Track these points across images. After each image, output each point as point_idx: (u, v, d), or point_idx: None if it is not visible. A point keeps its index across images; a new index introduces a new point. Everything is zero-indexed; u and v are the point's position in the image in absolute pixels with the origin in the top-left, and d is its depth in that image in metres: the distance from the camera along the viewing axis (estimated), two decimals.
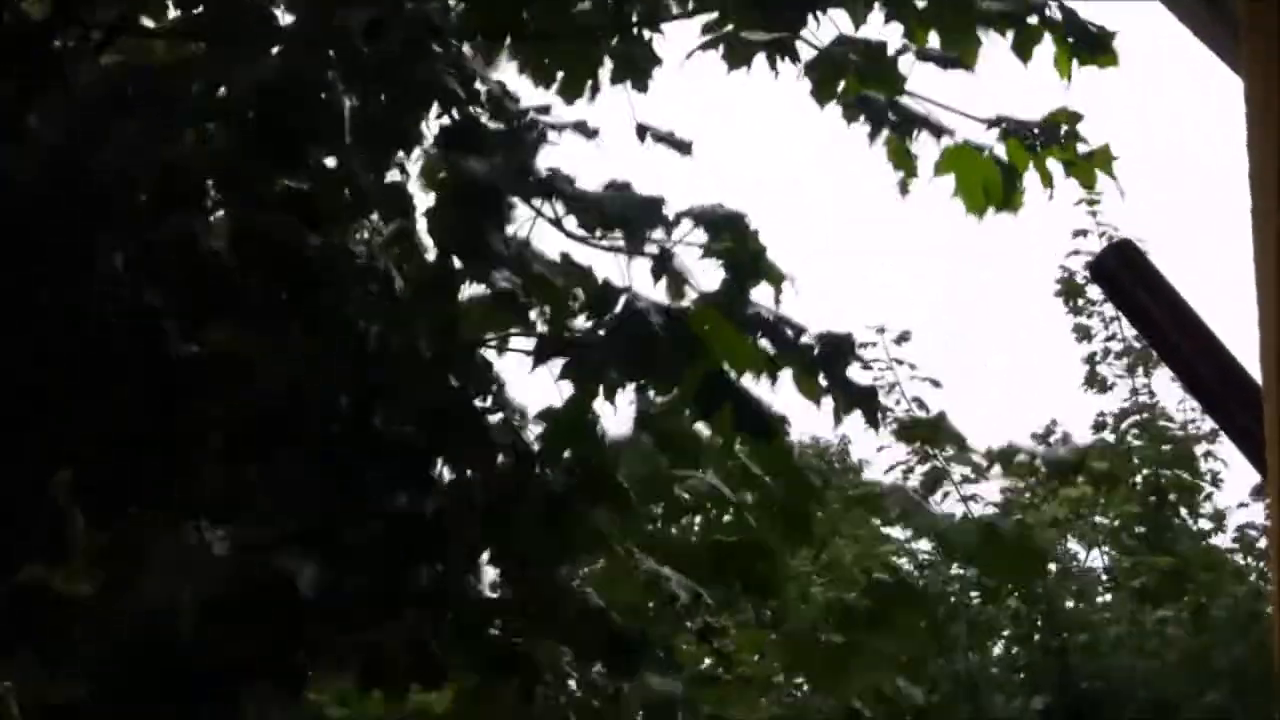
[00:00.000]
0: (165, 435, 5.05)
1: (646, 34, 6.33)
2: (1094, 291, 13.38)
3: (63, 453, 4.83)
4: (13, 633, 4.96)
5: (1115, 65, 6.28)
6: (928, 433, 6.13)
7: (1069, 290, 13.62)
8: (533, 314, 5.78)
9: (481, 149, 5.53)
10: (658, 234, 5.75)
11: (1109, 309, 13.30)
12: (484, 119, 5.70)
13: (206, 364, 5.15)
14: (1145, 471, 12.53)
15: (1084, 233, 12.95)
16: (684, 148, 6.06)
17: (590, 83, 6.45)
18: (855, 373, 5.78)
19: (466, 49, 5.84)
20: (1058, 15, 6.11)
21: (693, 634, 6.07)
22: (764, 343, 5.70)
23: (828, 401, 5.80)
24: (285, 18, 5.49)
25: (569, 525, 5.50)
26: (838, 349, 5.76)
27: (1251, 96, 2.78)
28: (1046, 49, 6.33)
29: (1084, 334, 13.59)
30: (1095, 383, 13.48)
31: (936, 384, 6.48)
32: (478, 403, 5.57)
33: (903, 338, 12.25)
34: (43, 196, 4.47)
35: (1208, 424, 13.08)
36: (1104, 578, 12.94)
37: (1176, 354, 2.93)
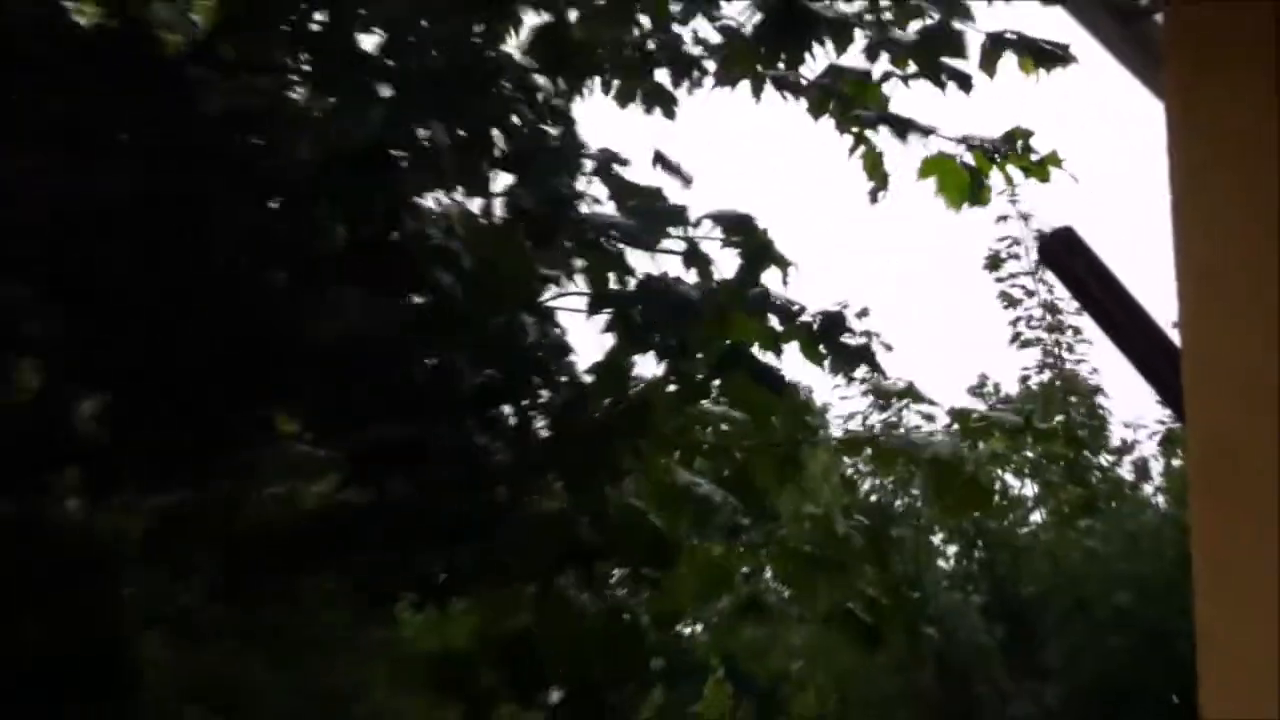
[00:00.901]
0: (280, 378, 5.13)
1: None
2: (1013, 265, 13.92)
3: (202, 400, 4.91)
4: (150, 551, 5.05)
5: (1069, 65, 6.41)
6: (899, 394, 6.34)
7: (994, 264, 14.03)
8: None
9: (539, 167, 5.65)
10: (684, 231, 5.92)
11: (1028, 281, 13.84)
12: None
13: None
14: (1060, 417, 13.10)
15: (1005, 218, 13.60)
16: (686, 180, 6.19)
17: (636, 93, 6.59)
18: (848, 338, 6.02)
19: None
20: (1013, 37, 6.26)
21: (721, 532, 6.20)
22: (773, 320, 5.90)
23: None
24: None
25: (615, 447, 5.61)
26: (833, 322, 5.95)
27: (1171, 108, 2.79)
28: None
29: (1010, 301, 14.10)
30: (1018, 340, 13.96)
31: (889, 347, 6.64)
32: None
33: (863, 313, 12.75)
34: (179, 194, 4.51)
35: (1104, 378, 13.56)
36: (1031, 503, 13.48)
37: (1110, 321, 2.91)
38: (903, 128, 6.36)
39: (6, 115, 4.21)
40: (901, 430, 6.42)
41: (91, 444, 4.79)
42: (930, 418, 9.70)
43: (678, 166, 6.19)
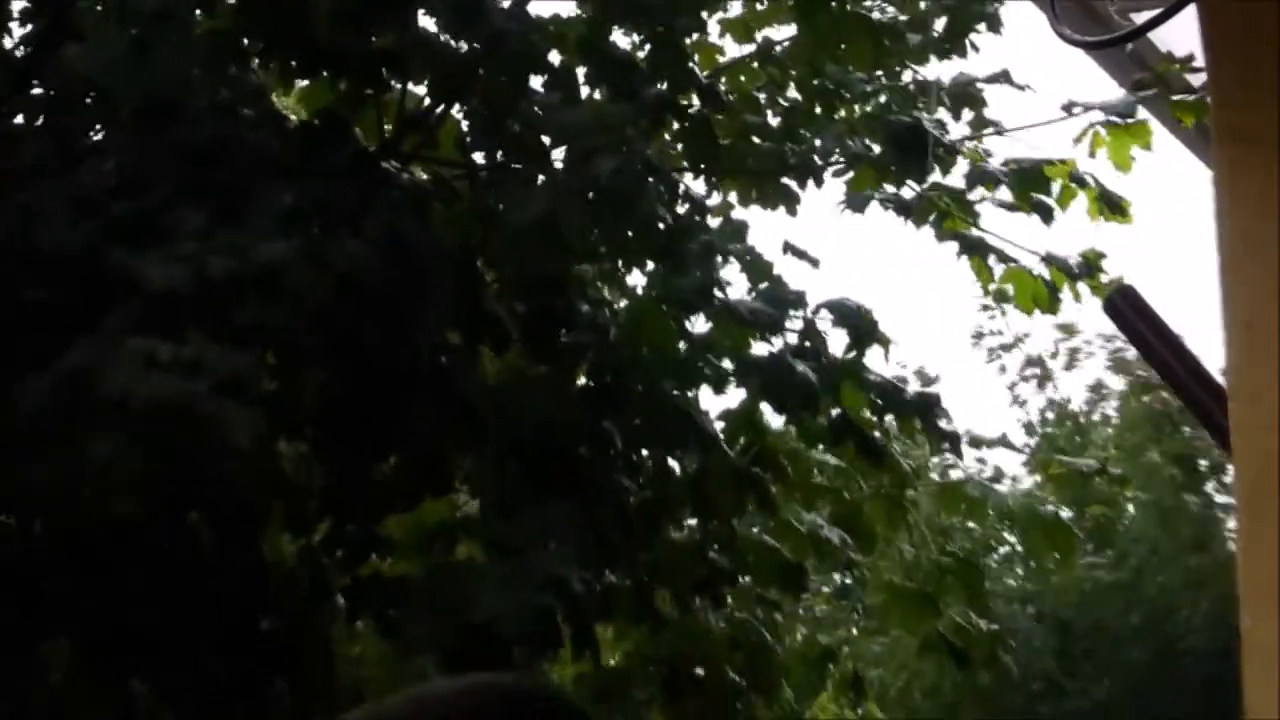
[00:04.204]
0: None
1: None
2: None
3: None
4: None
5: (1129, 222, 6.48)
6: (991, 443, 6.51)
7: (978, 338, 17.01)
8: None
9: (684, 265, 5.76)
10: (803, 313, 6.02)
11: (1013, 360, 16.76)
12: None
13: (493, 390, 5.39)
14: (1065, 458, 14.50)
15: (981, 334, 16.95)
16: (814, 263, 6.30)
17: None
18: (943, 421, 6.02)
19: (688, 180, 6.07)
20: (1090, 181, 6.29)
21: (840, 565, 6.30)
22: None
23: None
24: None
25: (748, 489, 5.67)
26: (928, 404, 5.99)
27: (1219, 179, 2.81)
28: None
29: (1001, 369, 17.30)
30: (1017, 401, 17.08)
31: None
32: None
33: (930, 379, 14.24)
34: (378, 271, 4.68)
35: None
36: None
37: (1167, 368, 2.92)
38: (986, 251, 6.48)
39: (244, 199, 4.40)
40: (978, 477, 6.49)
41: (298, 485, 4.94)
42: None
43: (805, 252, 6.32)
